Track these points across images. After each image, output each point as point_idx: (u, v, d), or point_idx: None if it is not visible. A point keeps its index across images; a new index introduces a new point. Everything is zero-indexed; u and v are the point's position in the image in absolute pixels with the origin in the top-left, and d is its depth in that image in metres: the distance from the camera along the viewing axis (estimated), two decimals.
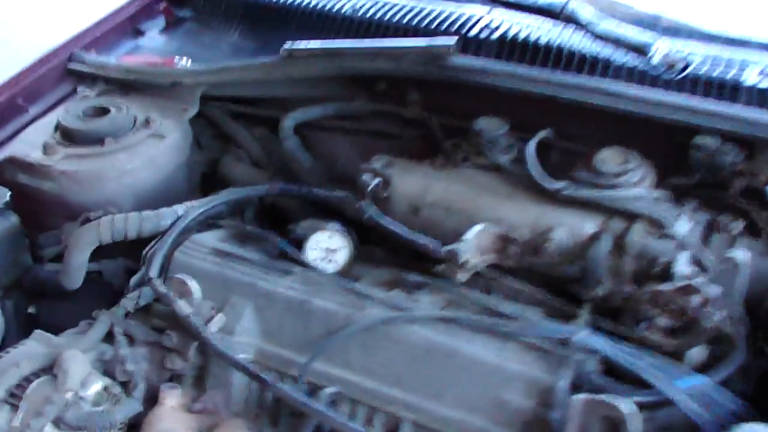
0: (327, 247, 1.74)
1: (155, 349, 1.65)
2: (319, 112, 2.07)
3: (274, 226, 1.92)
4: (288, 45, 2.01)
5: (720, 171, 1.67)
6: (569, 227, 1.65)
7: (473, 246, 1.61)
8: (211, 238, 1.82)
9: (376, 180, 1.78)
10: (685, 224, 1.60)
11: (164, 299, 1.61)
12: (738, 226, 1.61)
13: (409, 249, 1.75)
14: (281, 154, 2.09)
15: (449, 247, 1.60)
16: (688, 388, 1.40)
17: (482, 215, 1.72)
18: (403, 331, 1.53)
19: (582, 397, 1.36)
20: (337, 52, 1.97)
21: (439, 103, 1.99)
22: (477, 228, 1.63)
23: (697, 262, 1.55)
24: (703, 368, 1.49)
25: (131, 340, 1.65)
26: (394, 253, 1.85)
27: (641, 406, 1.35)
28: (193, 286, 1.65)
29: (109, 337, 1.65)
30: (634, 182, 1.65)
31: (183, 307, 1.58)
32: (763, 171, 1.65)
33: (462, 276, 1.61)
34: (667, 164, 1.74)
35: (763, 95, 1.72)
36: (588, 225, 1.64)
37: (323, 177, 2.03)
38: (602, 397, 1.35)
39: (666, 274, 1.54)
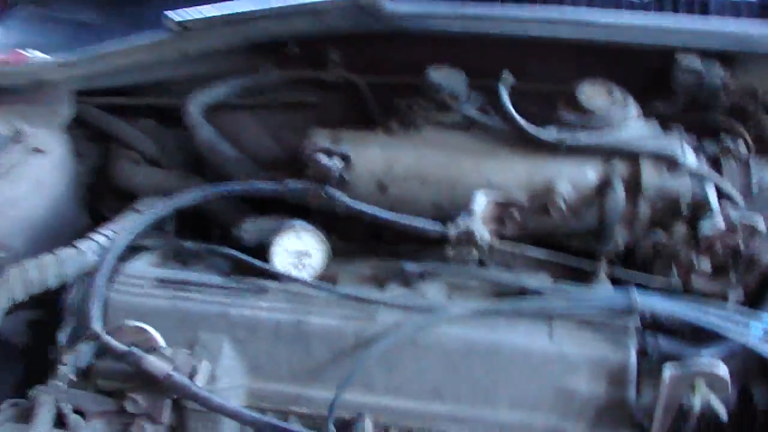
0: (298, 250, 1.44)
1: (115, 418, 1.31)
2: (225, 90, 1.73)
3: (197, 236, 1.60)
4: (173, 16, 1.65)
5: (708, 91, 1.54)
6: (569, 179, 1.46)
7: (480, 219, 1.38)
8: (144, 265, 1.46)
9: (336, 161, 1.49)
10: (692, 155, 1.46)
11: (127, 358, 1.26)
12: (741, 147, 1.50)
13: (389, 235, 1.50)
14: (188, 147, 1.74)
15: (461, 226, 1.36)
16: (760, 333, 1.27)
17: (466, 181, 1.49)
18: (432, 336, 1.29)
19: (673, 370, 1.19)
20: (242, 18, 1.64)
21: (365, 61, 1.72)
22: (481, 197, 1.41)
23: (723, 193, 1.41)
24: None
25: (83, 416, 1.30)
26: (357, 243, 1.60)
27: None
28: (154, 333, 1.31)
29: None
30: (629, 117, 1.49)
31: (157, 365, 1.24)
32: (749, 85, 1.54)
33: (477, 255, 1.38)
34: (642, 92, 1.60)
35: (737, 6, 1.60)
36: (590, 173, 1.46)
37: (252, 167, 1.70)
38: (696, 365, 1.19)
39: (694, 213, 1.39)
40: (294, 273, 1.42)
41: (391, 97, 1.66)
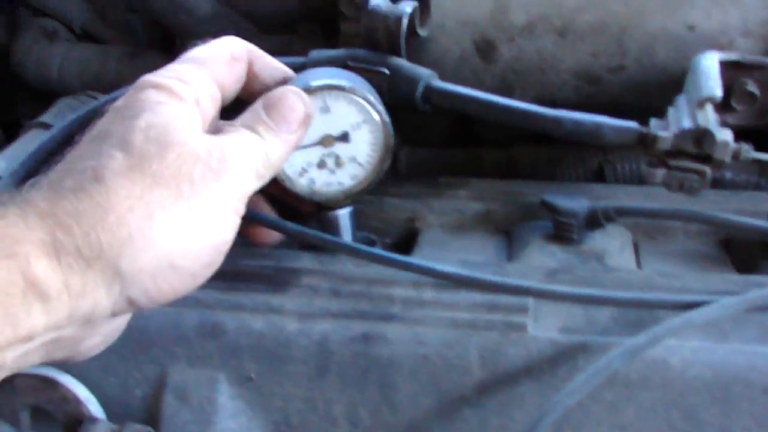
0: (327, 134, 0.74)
1: None
2: None
3: None
4: None
5: None
6: None
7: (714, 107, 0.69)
8: None
9: (409, 5, 0.77)
10: None
11: None
12: None
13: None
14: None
15: (683, 122, 0.66)
16: None
17: (647, 26, 0.79)
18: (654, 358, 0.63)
19: None
20: None
21: None
22: (713, 57, 0.71)
23: None
24: None
25: None
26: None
27: None
28: (71, 384, 0.65)
29: None
30: None
31: None
32: None
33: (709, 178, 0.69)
34: None
35: None
36: None
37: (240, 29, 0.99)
38: None
39: None
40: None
41: None
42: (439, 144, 0.94)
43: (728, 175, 0.86)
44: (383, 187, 0.83)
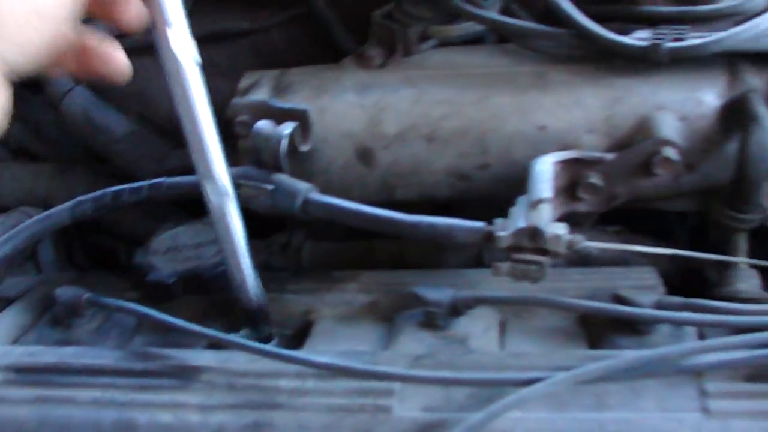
0: None
1: None
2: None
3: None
4: None
5: None
6: (677, 110, 0.88)
7: (550, 204, 0.80)
8: None
9: (288, 126, 0.88)
10: None
11: None
12: None
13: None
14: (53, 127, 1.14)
15: (519, 222, 0.77)
16: None
17: (503, 129, 0.91)
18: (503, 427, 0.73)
19: None
20: None
21: None
22: (545, 164, 0.82)
23: None
24: None
25: None
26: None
27: None
28: None
29: None
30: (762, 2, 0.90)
31: None
32: None
33: (546, 270, 0.79)
34: None
35: None
36: (708, 96, 0.88)
37: (155, 147, 1.09)
38: None
39: None
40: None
41: (361, 7, 1.05)
42: (340, 238, 1.04)
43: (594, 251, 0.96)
44: (283, 284, 0.93)
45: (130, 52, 0.99)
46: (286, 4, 1.15)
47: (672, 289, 0.87)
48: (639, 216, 1.00)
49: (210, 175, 0.76)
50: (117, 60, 0.66)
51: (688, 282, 0.94)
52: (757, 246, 0.94)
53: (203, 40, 1.12)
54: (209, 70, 1.13)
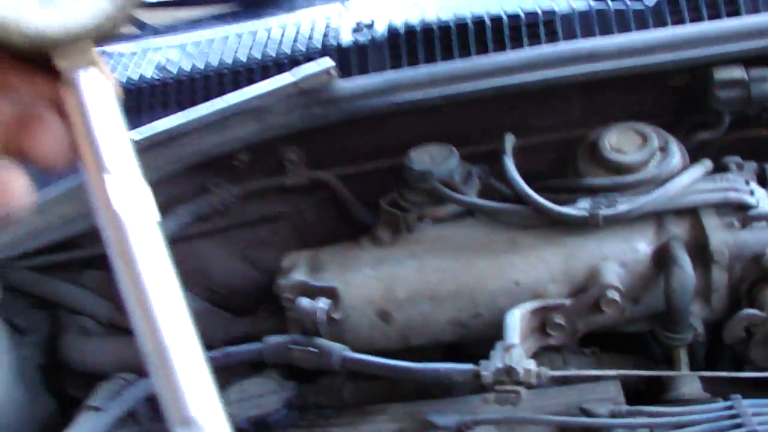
0: None
1: None
2: (174, 223, 1.41)
3: None
4: None
5: (759, 104, 1.22)
6: (617, 259, 1.15)
7: (519, 348, 1.07)
8: None
9: (323, 302, 1.17)
10: (764, 194, 1.14)
11: None
12: None
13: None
14: None
15: (496, 364, 1.03)
16: None
17: (487, 286, 1.18)
18: None
19: None
20: (170, 137, 1.30)
21: (329, 153, 1.40)
22: (513, 317, 1.09)
23: None
24: None
25: None
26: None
27: None
28: None
29: None
30: (676, 166, 1.18)
31: None
32: None
33: (523, 395, 1.06)
34: (672, 120, 1.29)
35: None
36: (641, 245, 1.15)
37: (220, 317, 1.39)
38: None
39: None
40: None
41: (370, 184, 1.36)
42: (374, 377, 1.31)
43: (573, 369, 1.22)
44: (328, 419, 1.20)
45: (191, 237, 1.36)
46: (313, 191, 1.44)
47: (638, 394, 1.12)
48: (612, 335, 1.26)
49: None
50: (15, 192, 0.48)
51: (651, 387, 1.19)
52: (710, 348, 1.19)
53: (254, 223, 1.45)
54: (259, 246, 1.47)
